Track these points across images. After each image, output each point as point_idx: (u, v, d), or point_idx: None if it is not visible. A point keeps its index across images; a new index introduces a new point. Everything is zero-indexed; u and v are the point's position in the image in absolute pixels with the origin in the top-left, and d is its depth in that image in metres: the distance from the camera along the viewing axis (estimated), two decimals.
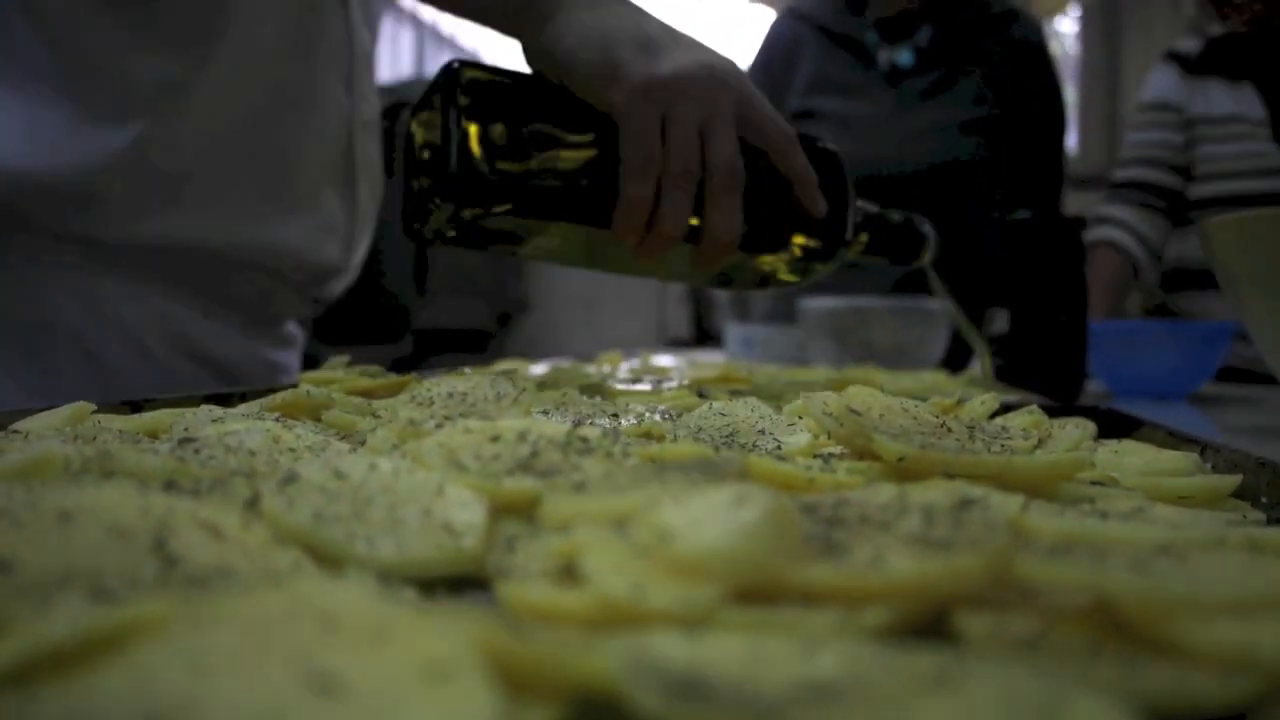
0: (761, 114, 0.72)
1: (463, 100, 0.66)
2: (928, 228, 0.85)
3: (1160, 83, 1.77)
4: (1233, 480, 0.42)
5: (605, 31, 0.70)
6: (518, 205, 0.67)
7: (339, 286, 1.09)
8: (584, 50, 0.69)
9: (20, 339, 0.87)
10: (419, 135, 0.70)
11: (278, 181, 0.95)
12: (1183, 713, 0.19)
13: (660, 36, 0.71)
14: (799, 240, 0.77)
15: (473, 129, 0.66)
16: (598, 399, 0.62)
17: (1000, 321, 1.08)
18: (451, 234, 0.69)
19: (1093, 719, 0.17)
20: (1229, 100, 1.68)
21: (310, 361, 1.12)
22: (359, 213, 1.05)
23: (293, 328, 1.12)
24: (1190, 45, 1.76)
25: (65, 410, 0.51)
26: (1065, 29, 4.46)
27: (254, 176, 0.93)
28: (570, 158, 0.69)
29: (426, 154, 0.68)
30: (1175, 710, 0.19)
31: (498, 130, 0.67)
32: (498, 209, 0.67)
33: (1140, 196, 1.75)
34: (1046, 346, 1.06)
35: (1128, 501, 0.38)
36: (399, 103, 0.99)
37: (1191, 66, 1.73)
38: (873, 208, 0.82)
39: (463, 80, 0.67)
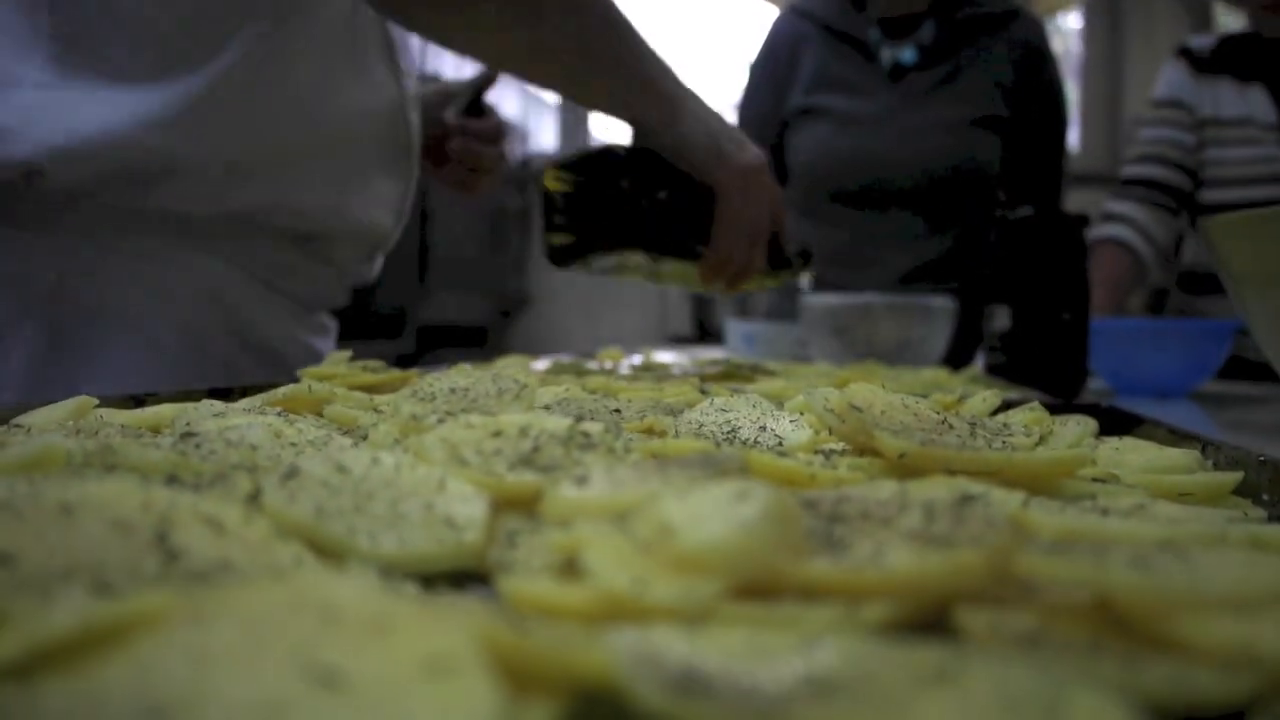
0: (777, 204, 1.00)
1: (625, 174, 0.92)
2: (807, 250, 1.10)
3: (1171, 79, 1.76)
4: (1234, 477, 0.42)
5: (710, 127, 0.94)
6: (649, 245, 0.95)
7: (379, 265, 1.18)
8: (696, 138, 0.93)
9: (82, 327, 0.90)
10: (567, 188, 0.92)
11: (337, 154, 1.01)
12: (1183, 709, 0.19)
13: (736, 133, 0.97)
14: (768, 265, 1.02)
15: (629, 193, 0.92)
16: (599, 394, 0.62)
17: (1002, 319, 1.08)
18: (603, 264, 0.96)
19: (1092, 715, 0.17)
20: (1239, 102, 1.67)
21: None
22: (410, 187, 1.13)
23: (326, 317, 1.18)
24: (1202, 43, 1.76)
25: (68, 404, 0.51)
26: (1069, 26, 4.46)
27: (313, 149, 0.99)
28: (681, 211, 0.95)
29: (582, 207, 0.92)
30: (1175, 707, 0.19)
31: (642, 192, 0.93)
32: (634, 249, 0.94)
33: (1149, 194, 1.75)
34: (1048, 344, 1.05)
35: (1129, 498, 0.37)
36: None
37: (1202, 65, 1.72)
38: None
39: (619, 157, 0.93)
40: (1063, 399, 1.01)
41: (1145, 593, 0.22)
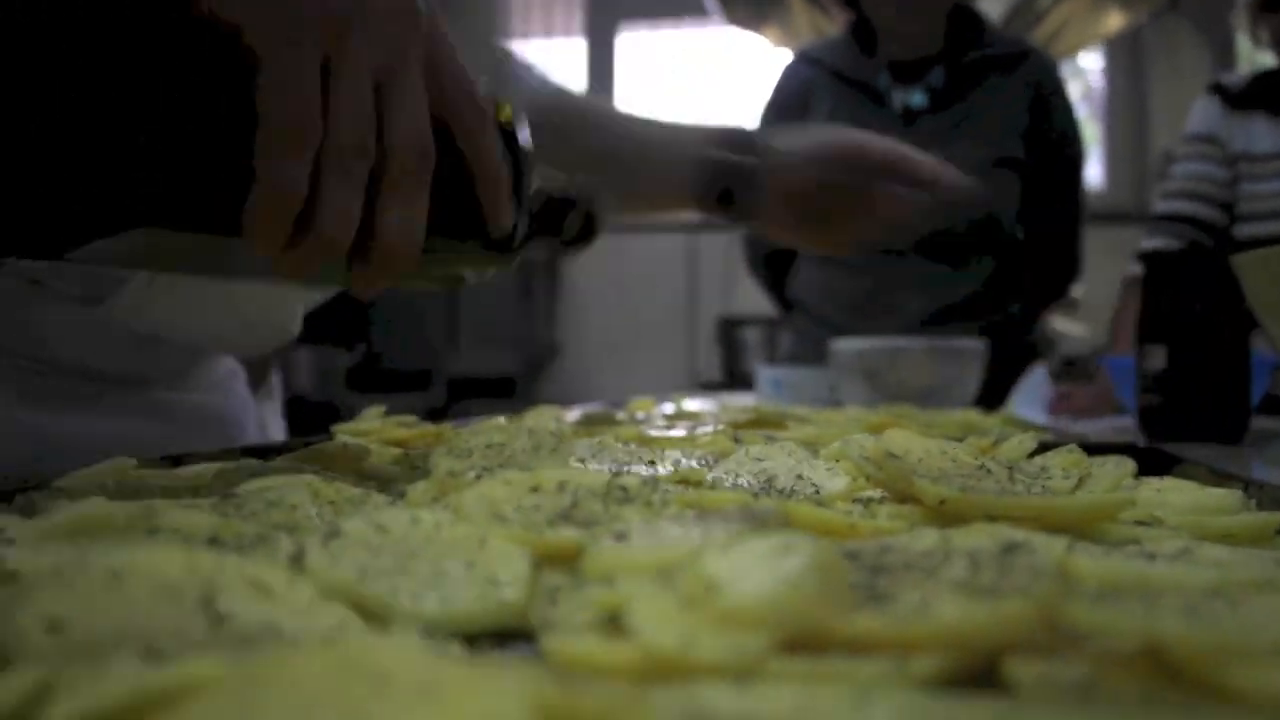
0: (455, 72, 0.51)
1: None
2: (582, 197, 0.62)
3: (1203, 115, 1.77)
4: (1278, 517, 0.42)
5: None
6: (99, 202, 0.43)
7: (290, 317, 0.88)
8: None
9: None
10: None
11: None
12: None
13: None
14: (463, 244, 0.55)
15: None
16: (633, 445, 0.62)
17: (1157, 358, 1.03)
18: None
19: None
20: (1272, 136, 1.67)
21: (344, 413, 1.12)
22: None
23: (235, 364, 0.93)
24: (1235, 79, 1.76)
25: (106, 466, 0.51)
26: (1091, 65, 4.47)
27: None
28: (177, 117, 0.44)
29: None
30: None
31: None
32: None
33: (1184, 230, 1.75)
34: (1210, 384, 1.01)
35: (1173, 542, 0.37)
36: None
37: (1234, 100, 1.73)
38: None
39: None
40: (1228, 443, 0.98)
41: (1197, 643, 0.22)
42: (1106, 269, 2.58)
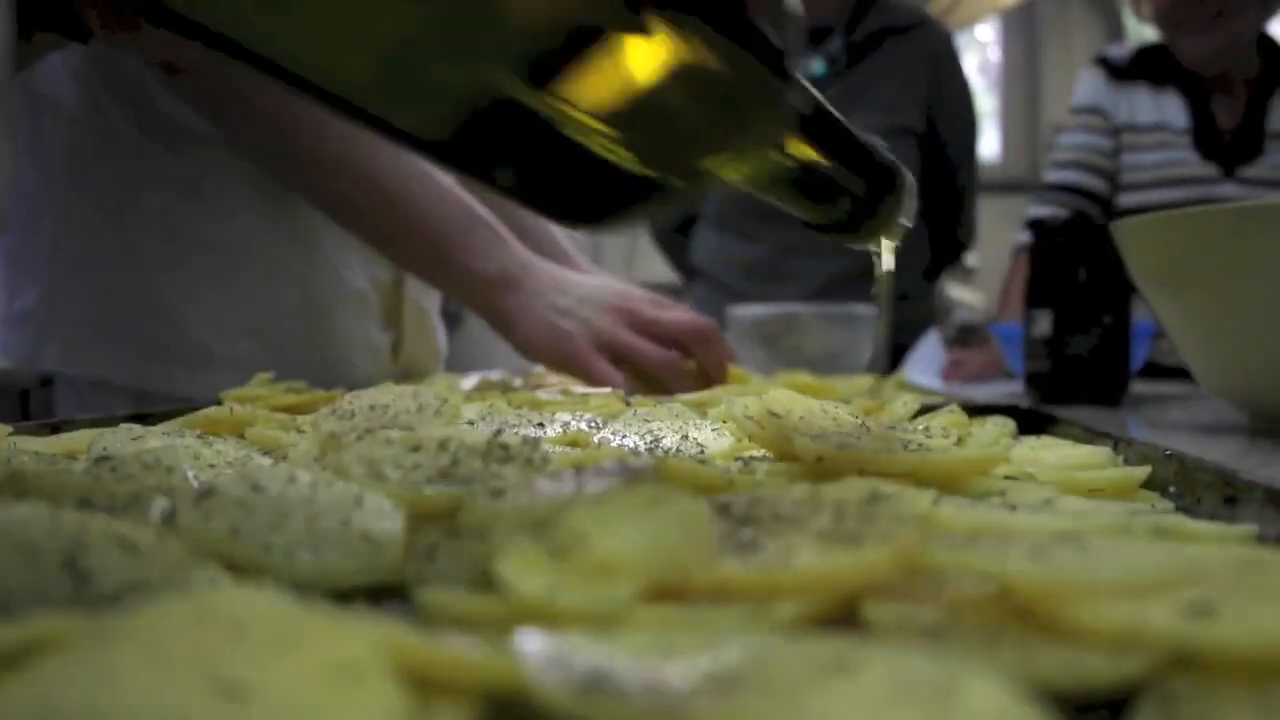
0: None
1: None
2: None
3: (1088, 87, 1.80)
4: (1142, 471, 0.43)
5: None
6: None
7: None
8: None
9: None
10: None
11: None
12: (1075, 691, 0.20)
13: None
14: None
15: None
16: (524, 409, 0.62)
17: (1043, 324, 1.06)
18: None
19: (984, 698, 0.17)
20: (1153, 108, 1.72)
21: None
22: None
23: None
24: (1119, 52, 1.80)
25: None
26: (987, 37, 4.54)
27: None
28: None
29: None
30: (1068, 689, 0.20)
31: None
32: None
33: (1070, 200, 1.79)
34: (1091, 350, 1.04)
35: (1038, 494, 0.38)
36: None
37: (1118, 73, 1.77)
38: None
39: None
40: (1108, 405, 1.01)
41: (1041, 581, 0.23)
42: (1001, 238, 2.64)
